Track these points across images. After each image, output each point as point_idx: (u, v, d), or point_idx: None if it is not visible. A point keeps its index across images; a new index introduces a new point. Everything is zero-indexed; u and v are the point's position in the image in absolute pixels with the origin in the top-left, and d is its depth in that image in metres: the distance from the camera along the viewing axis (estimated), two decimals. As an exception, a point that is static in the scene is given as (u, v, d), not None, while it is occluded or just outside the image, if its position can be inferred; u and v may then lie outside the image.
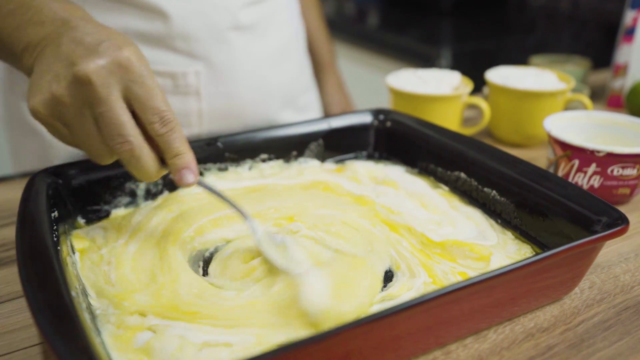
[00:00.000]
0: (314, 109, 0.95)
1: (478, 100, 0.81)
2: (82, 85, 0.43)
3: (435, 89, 0.80)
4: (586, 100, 0.80)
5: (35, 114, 0.45)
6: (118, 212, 0.58)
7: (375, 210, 0.60)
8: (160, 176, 0.48)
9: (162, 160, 0.47)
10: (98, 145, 0.45)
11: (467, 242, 0.53)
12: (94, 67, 0.42)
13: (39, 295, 0.37)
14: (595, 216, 0.49)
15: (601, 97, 1.03)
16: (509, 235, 0.55)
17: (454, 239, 0.53)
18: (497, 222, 0.57)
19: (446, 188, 0.64)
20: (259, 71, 0.79)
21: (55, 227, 0.50)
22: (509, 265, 0.42)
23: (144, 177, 0.46)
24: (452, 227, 0.56)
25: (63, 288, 0.39)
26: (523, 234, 0.55)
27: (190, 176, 0.46)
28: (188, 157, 0.46)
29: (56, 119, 0.45)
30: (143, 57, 0.45)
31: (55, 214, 0.52)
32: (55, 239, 0.47)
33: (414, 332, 0.42)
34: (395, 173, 0.67)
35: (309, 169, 0.68)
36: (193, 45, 0.72)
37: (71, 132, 0.45)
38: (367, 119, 0.73)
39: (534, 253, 0.52)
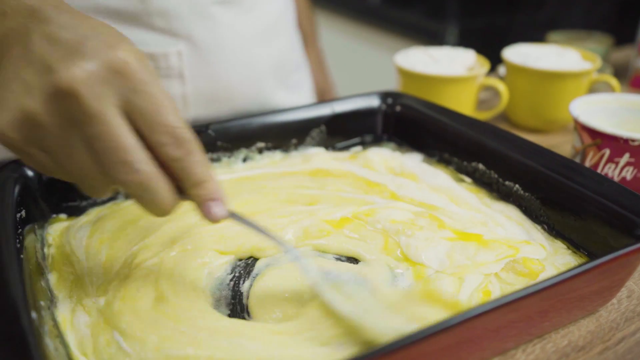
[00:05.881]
0: (305, 87, 0.88)
1: (495, 81, 0.74)
2: (66, 99, 0.32)
3: (449, 70, 0.74)
4: (613, 81, 0.73)
5: (3, 138, 0.34)
6: (57, 227, 0.49)
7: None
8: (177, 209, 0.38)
9: (179, 189, 0.37)
10: (94, 176, 0.35)
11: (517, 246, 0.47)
12: (80, 73, 0.32)
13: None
14: (639, 218, 0.43)
15: (623, 76, 0.96)
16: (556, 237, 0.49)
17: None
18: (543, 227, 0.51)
19: (469, 180, 0.58)
20: (247, 50, 0.72)
21: (20, 230, 0.44)
22: (541, 283, 0.36)
23: (159, 212, 0.36)
24: (502, 228, 0.50)
25: (21, 309, 0.33)
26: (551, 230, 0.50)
27: (219, 209, 0.37)
28: (213, 184, 0.37)
29: (32, 144, 0.34)
30: (144, 57, 0.35)
31: (22, 213, 0.46)
32: (19, 245, 0.41)
33: (432, 353, 0.36)
34: (412, 163, 0.60)
35: (316, 157, 0.61)
36: (173, 22, 0.65)
37: (55, 161, 0.35)
38: (374, 102, 0.66)
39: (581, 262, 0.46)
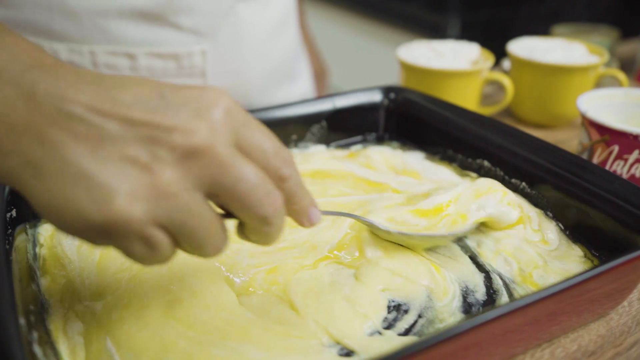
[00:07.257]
0: (304, 75, 0.87)
1: (500, 76, 0.73)
2: (200, 156, 0.29)
3: (452, 64, 0.72)
4: (621, 75, 0.72)
5: (124, 225, 0.28)
6: (49, 227, 0.46)
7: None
8: None
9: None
10: (220, 231, 0.31)
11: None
12: (209, 126, 0.29)
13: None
14: (651, 218, 0.41)
15: (629, 70, 0.94)
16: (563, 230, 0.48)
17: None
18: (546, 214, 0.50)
19: (474, 175, 0.56)
20: (263, 45, 0.71)
21: (10, 230, 0.42)
22: (551, 287, 0.34)
23: (273, 240, 0.34)
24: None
25: (8, 314, 0.31)
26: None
27: (317, 212, 0.36)
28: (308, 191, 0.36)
29: (156, 221, 0.29)
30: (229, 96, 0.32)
31: (13, 213, 0.44)
32: (8, 246, 0.40)
33: (438, 359, 0.35)
34: (414, 161, 0.59)
35: (315, 156, 0.59)
36: (198, 20, 0.64)
37: (181, 232, 0.29)
38: (376, 97, 0.65)
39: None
